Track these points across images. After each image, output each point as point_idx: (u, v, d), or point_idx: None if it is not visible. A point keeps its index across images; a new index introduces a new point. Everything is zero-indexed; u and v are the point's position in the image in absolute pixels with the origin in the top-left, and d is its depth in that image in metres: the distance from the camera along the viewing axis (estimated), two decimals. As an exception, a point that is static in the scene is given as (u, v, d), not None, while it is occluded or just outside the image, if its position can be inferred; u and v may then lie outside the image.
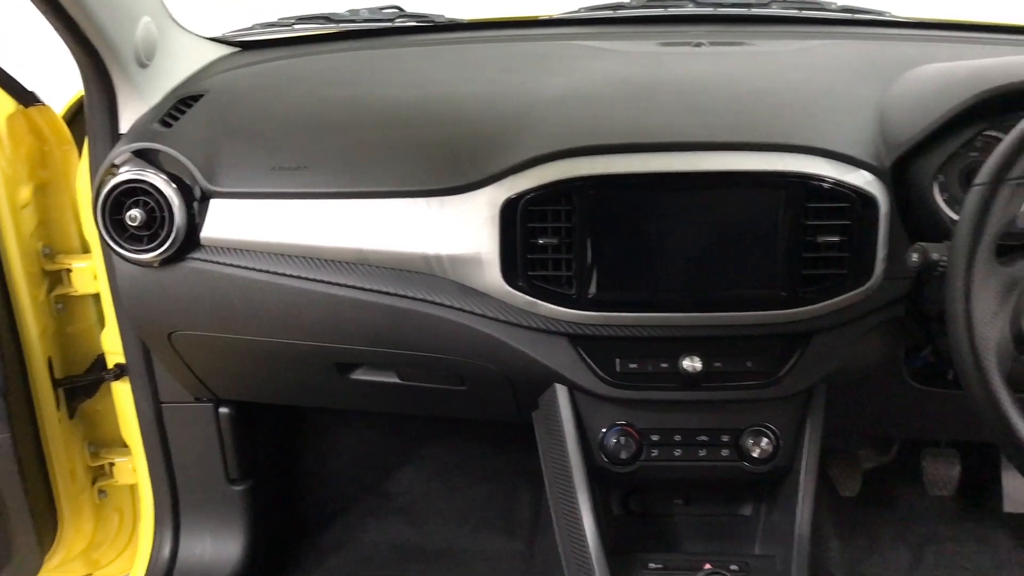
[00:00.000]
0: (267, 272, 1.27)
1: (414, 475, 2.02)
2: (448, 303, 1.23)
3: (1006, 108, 1.07)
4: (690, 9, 1.71)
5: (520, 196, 1.15)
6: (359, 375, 1.41)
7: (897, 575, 1.82)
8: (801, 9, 1.70)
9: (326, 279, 1.25)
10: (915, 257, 1.03)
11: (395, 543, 1.93)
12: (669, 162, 1.15)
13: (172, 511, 1.65)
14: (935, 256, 1.01)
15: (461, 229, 1.19)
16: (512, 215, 1.16)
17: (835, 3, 1.75)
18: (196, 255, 1.27)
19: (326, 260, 1.26)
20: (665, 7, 1.73)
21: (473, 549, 1.91)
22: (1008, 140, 0.92)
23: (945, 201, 1.15)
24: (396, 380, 1.41)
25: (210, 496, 1.67)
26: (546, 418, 1.34)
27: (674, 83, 1.32)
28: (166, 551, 1.67)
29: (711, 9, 1.70)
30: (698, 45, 1.50)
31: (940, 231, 1.09)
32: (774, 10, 1.70)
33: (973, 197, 0.92)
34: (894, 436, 1.78)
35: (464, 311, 1.23)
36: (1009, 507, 1.78)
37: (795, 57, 1.44)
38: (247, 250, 1.27)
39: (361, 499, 2.00)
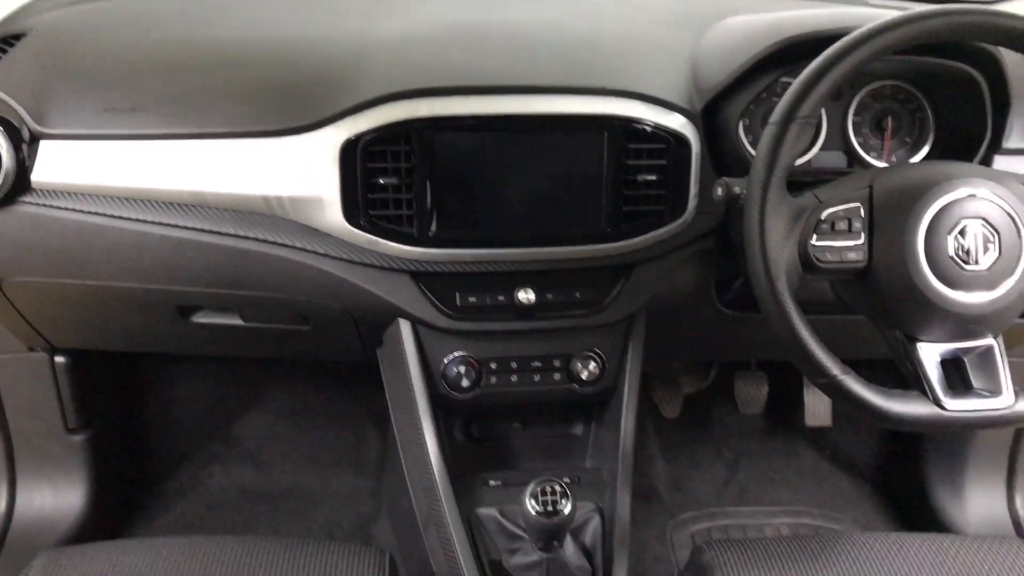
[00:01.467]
0: (102, 215, 1.25)
1: (259, 420, 2.04)
2: (289, 243, 1.25)
3: (800, 56, 1.18)
4: None
5: (359, 137, 1.18)
6: (201, 318, 1.42)
7: (715, 488, 2.00)
8: None
9: (164, 221, 1.25)
10: (719, 191, 1.14)
11: (242, 487, 1.95)
12: (503, 104, 1.21)
13: (7, 463, 1.61)
14: (737, 190, 1.13)
15: (301, 170, 1.21)
16: (352, 156, 1.18)
17: None
18: (27, 199, 1.24)
19: (163, 203, 1.25)
20: None
21: (321, 489, 1.95)
22: (796, 84, 1.03)
23: (749, 141, 1.28)
24: (239, 322, 1.42)
25: (48, 447, 1.64)
26: (390, 353, 1.39)
27: (505, 28, 1.38)
28: (1, 504, 1.63)
29: None
30: None
31: (744, 168, 1.20)
32: None
33: (766, 135, 1.03)
34: (709, 359, 1.94)
35: (306, 251, 1.25)
36: (810, 421, 1.98)
37: (616, 5, 1.52)
38: (81, 193, 1.25)
39: (206, 445, 2.00)
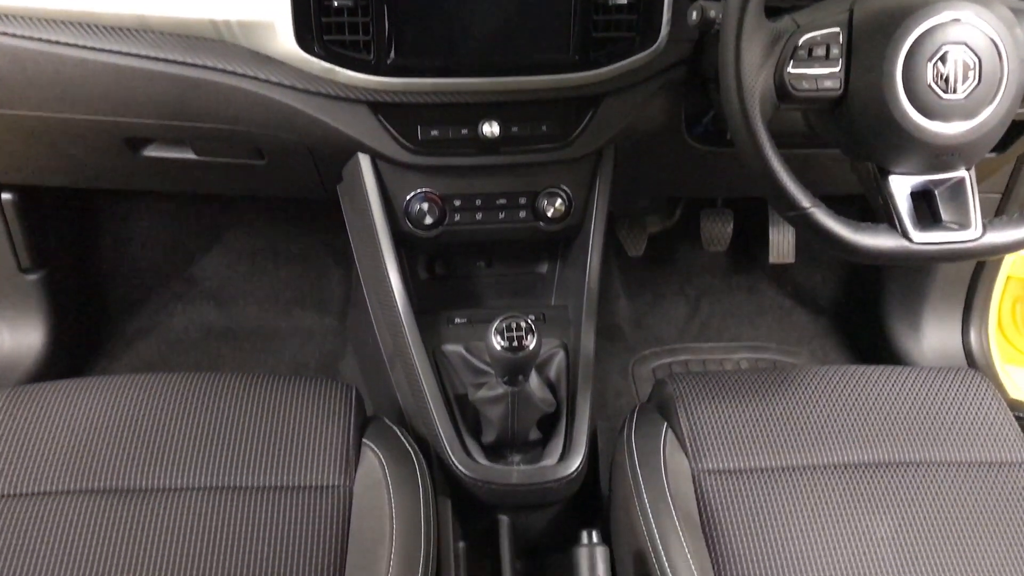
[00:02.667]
0: (40, 40, 1.17)
1: (220, 259, 2.00)
2: (240, 71, 1.18)
3: None
4: None
5: None
6: (151, 152, 1.36)
7: (677, 324, 2.03)
8: None
9: (106, 48, 1.17)
10: (695, 15, 1.09)
11: (205, 326, 1.94)
12: None
13: None
14: (712, 14, 1.07)
15: None
16: None
17: None
18: None
19: (105, 27, 1.17)
20: None
21: (286, 327, 1.95)
22: None
23: None
24: (191, 156, 1.36)
25: (1, 287, 1.60)
26: (350, 189, 1.35)
27: None
28: None
29: None
30: None
31: None
32: None
33: None
34: (677, 196, 1.92)
35: (258, 79, 1.19)
36: (773, 258, 1.98)
37: None
38: (15, 16, 1.16)
39: (166, 285, 1.97)
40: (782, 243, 1.98)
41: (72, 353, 1.79)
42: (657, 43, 1.21)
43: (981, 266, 1.80)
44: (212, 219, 2.00)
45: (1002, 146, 1.44)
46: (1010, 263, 1.85)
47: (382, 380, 1.43)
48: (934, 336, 1.84)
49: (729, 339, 2.01)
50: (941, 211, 1.05)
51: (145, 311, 1.94)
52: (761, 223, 1.98)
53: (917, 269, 1.83)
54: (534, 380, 1.22)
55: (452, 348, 1.34)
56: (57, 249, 1.71)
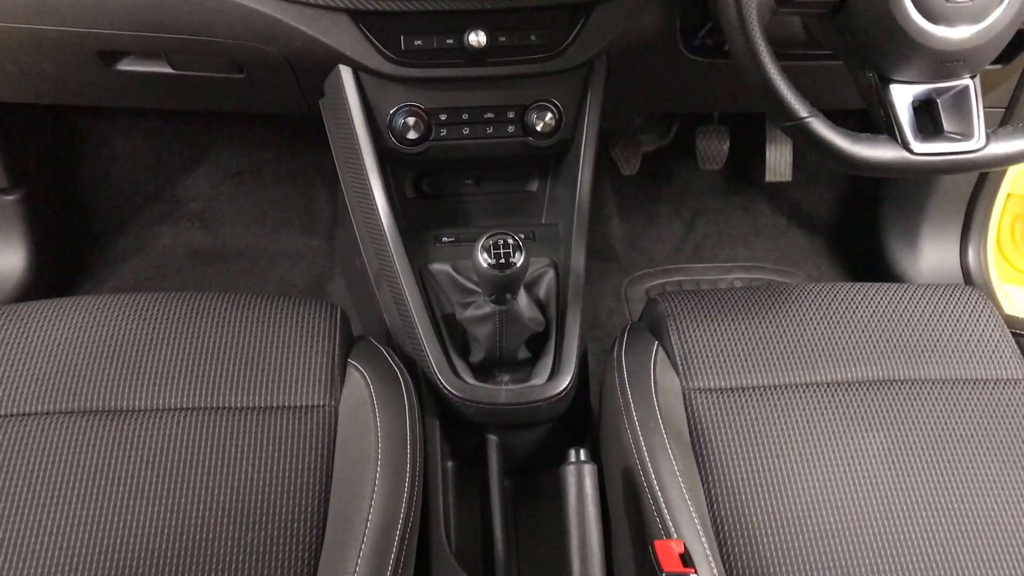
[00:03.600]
0: None
1: (204, 180, 1.96)
2: None
3: None
4: None
5: None
6: (126, 65, 1.31)
7: (671, 244, 2.00)
8: None
9: None
10: None
11: (190, 247, 1.91)
12: None
13: None
14: None
15: None
16: None
17: None
18: None
19: None
20: None
21: (273, 248, 1.92)
22: None
23: None
24: (168, 70, 1.31)
25: None
26: (332, 104, 1.31)
27: None
28: None
29: None
30: None
31: None
32: None
33: None
34: (671, 111, 1.87)
35: None
36: (770, 177, 1.95)
37: None
38: None
39: (150, 205, 1.93)
40: (779, 161, 1.94)
41: (56, 274, 1.77)
42: None
43: (981, 183, 1.77)
44: (196, 139, 1.95)
45: (1007, 57, 1.39)
46: (1011, 180, 1.81)
47: (370, 301, 1.40)
48: (932, 254, 1.82)
49: (724, 259, 1.98)
50: (943, 121, 1.01)
51: (130, 232, 1.90)
52: (758, 141, 1.94)
53: (916, 184, 1.79)
54: (523, 299, 1.19)
55: (439, 267, 1.31)
56: (36, 169, 1.67)
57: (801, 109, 0.96)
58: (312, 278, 1.86)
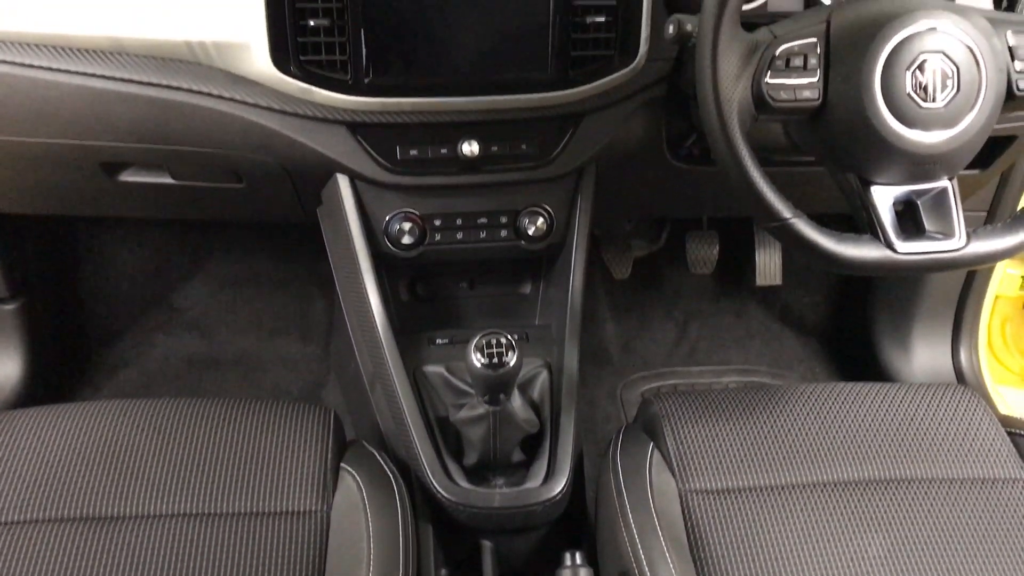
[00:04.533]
0: (12, 64, 1.16)
1: (202, 288, 1.99)
2: (217, 93, 1.17)
3: None
4: None
5: None
6: (128, 176, 1.35)
7: (665, 348, 2.01)
8: None
9: (81, 70, 1.16)
10: (671, 29, 1.08)
11: (187, 355, 1.91)
12: None
13: None
14: (689, 27, 1.07)
15: (226, 12, 1.12)
16: None
17: None
18: None
19: (79, 50, 1.16)
20: None
21: (268, 355, 1.93)
22: None
23: None
24: (169, 180, 1.35)
25: None
26: (330, 211, 1.34)
27: None
28: None
29: None
30: None
31: (697, 7, 1.14)
32: None
33: None
34: (660, 216, 1.91)
35: (235, 101, 1.18)
36: (760, 280, 1.97)
37: None
38: None
39: (148, 314, 1.95)
40: (769, 265, 1.97)
41: (51, 383, 1.77)
42: (636, 61, 1.21)
43: (968, 285, 1.79)
44: (194, 247, 1.98)
45: (984, 163, 1.44)
46: (997, 282, 1.84)
47: (364, 404, 1.41)
48: (924, 355, 1.83)
49: (718, 362, 1.99)
50: (924, 221, 1.03)
51: (126, 341, 1.91)
52: (747, 245, 1.98)
53: (904, 287, 1.82)
54: (516, 399, 1.19)
55: (433, 369, 1.32)
56: (36, 279, 1.69)
57: (784, 210, 0.99)
58: (307, 385, 1.87)
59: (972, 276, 1.78)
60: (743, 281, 2.08)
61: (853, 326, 1.97)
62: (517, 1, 1.15)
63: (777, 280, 1.98)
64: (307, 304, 1.98)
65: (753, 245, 1.97)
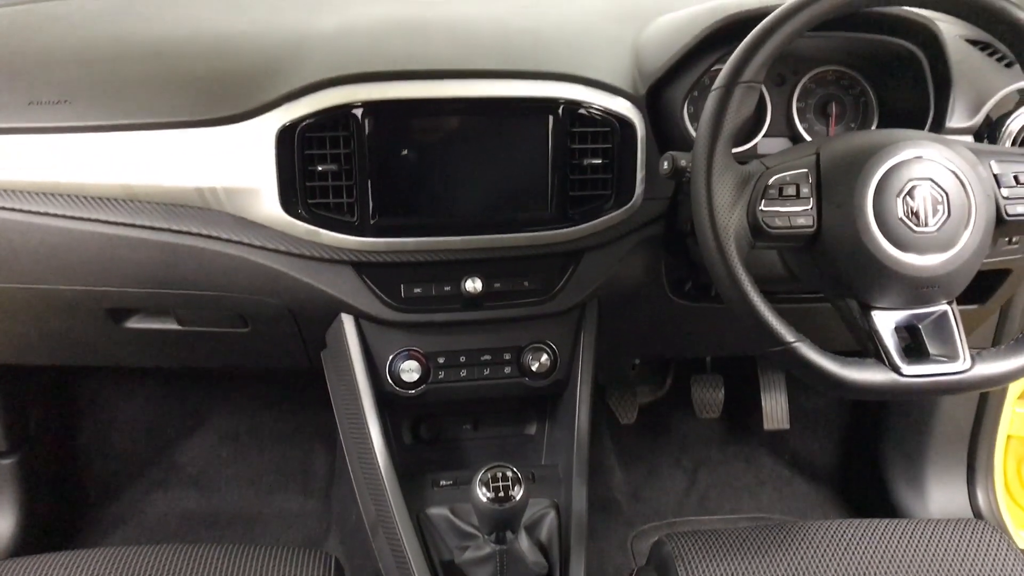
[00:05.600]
0: (27, 212, 1.19)
1: (202, 443, 1.96)
2: (225, 236, 1.20)
3: (742, 37, 1.18)
4: None
5: (296, 123, 1.15)
6: (134, 323, 1.36)
7: (675, 496, 1.96)
8: None
9: (92, 217, 1.20)
10: (666, 165, 1.12)
11: (185, 513, 1.87)
12: (444, 88, 1.18)
13: None
14: (683, 163, 1.10)
15: (236, 159, 1.17)
16: (289, 142, 1.15)
17: None
18: None
19: (91, 197, 1.20)
20: None
21: (268, 512, 1.88)
22: (740, 47, 1.02)
23: (694, 126, 1.26)
24: (175, 326, 1.36)
25: None
26: (334, 353, 1.34)
27: (446, 20, 1.36)
28: None
29: None
30: None
31: (689, 146, 1.19)
32: None
33: (710, 99, 1.01)
34: (664, 355, 1.90)
35: (242, 244, 1.21)
36: (768, 425, 1.95)
37: (557, 4, 1.52)
38: (4, 190, 1.19)
39: (146, 472, 1.92)
40: (775, 409, 1.96)
41: (47, 541, 1.71)
42: (632, 201, 1.24)
43: (979, 425, 1.77)
44: (195, 403, 1.97)
45: (982, 298, 1.45)
46: (1008, 422, 1.82)
47: (366, 552, 1.36)
48: (940, 498, 1.79)
49: (730, 511, 1.94)
50: (928, 345, 1.04)
51: (124, 498, 1.87)
52: (753, 389, 1.97)
53: (914, 427, 1.79)
54: (524, 540, 1.16)
55: (437, 511, 1.28)
56: (36, 433, 1.67)
57: (787, 334, 0.99)
58: (306, 540, 1.81)
59: (982, 414, 1.76)
60: (751, 425, 2.05)
61: (865, 470, 1.93)
62: (517, 148, 1.20)
63: (785, 424, 1.96)
64: (308, 457, 1.95)
65: (759, 388, 1.96)
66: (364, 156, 1.16)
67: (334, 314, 1.29)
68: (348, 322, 1.28)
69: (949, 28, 1.30)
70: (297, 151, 1.15)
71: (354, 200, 1.18)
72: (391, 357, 1.29)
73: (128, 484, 1.89)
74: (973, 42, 1.41)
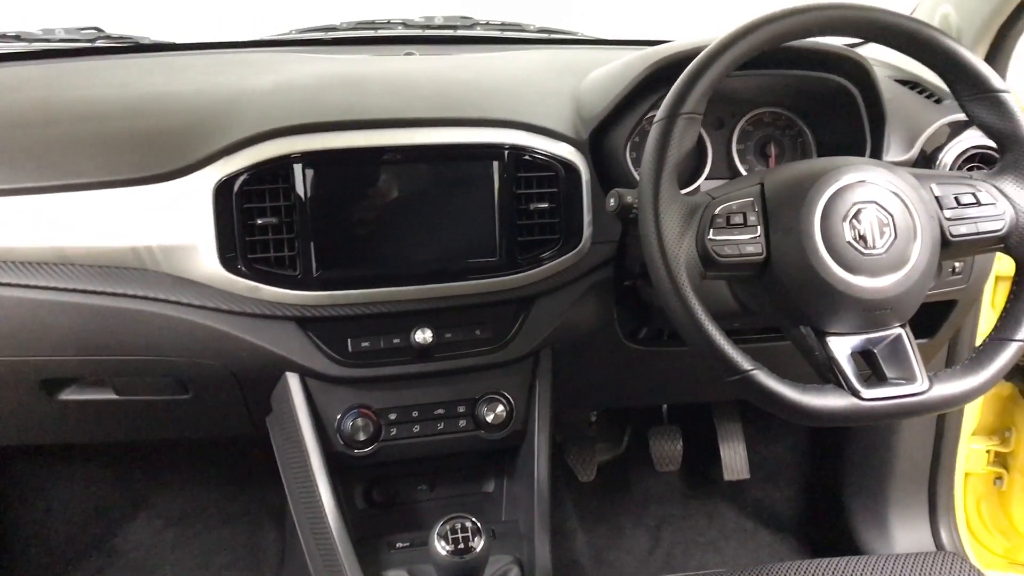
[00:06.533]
0: None
1: (146, 526, 1.87)
2: (163, 297, 1.16)
3: (676, 77, 1.18)
4: (400, 31, 1.77)
5: (234, 177, 1.12)
6: (70, 395, 1.29)
7: (640, 557, 1.91)
8: (503, 30, 1.82)
9: (21, 283, 1.15)
10: (612, 201, 1.11)
11: None
12: (385, 137, 1.17)
13: None
14: (629, 199, 1.10)
15: (172, 217, 1.14)
16: (227, 197, 1.12)
17: (533, 26, 1.88)
18: None
19: (20, 262, 1.15)
20: (375, 29, 1.78)
21: None
22: (679, 81, 1.02)
23: (634, 163, 1.26)
24: (113, 396, 1.30)
25: None
26: (280, 417, 1.29)
27: (384, 75, 1.36)
28: None
29: (420, 31, 1.77)
30: (408, 55, 1.56)
31: (634, 184, 1.19)
32: (478, 31, 1.80)
33: (653, 132, 1.01)
34: (620, 404, 1.88)
35: (180, 304, 1.16)
36: (728, 475, 1.93)
37: (498, 61, 1.53)
38: None
39: (85, 559, 1.81)
40: (734, 459, 1.94)
41: None
42: (581, 244, 1.24)
43: (937, 463, 1.77)
44: (137, 484, 1.89)
45: (930, 332, 1.46)
46: (964, 459, 1.82)
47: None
48: (904, 540, 1.77)
49: (696, 568, 1.90)
50: (884, 369, 1.03)
51: None
52: (711, 440, 1.95)
53: (874, 470, 1.78)
54: (487, 598, 1.11)
55: (395, 574, 1.22)
56: None
57: (744, 362, 0.97)
58: None
59: (939, 451, 1.76)
60: (711, 476, 2.03)
61: (827, 515, 1.91)
62: (463, 195, 1.19)
63: (744, 474, 1.93)
64: (257, 536, 1.87)
65: (716, 439, 1.94)
66: (305, 208, 1.14)
67: (278, 374, 1.24)
68: (293, 380, 1.24)
69: (879, 70, 1.34)
70: (236, 206, 1.12)
71: (296, 253, 1.15)
72: (340, 415, 1.25)
73: (67, 573, 1.79)
74: (902, 82, 1.46)
